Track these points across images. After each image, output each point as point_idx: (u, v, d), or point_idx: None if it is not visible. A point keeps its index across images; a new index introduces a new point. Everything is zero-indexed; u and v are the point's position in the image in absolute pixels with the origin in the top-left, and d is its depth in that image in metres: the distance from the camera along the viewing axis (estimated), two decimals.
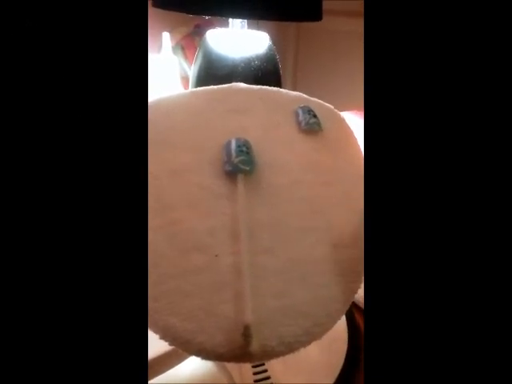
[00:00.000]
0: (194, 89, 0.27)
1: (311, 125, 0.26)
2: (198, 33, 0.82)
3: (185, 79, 0.81)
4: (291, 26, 0.95)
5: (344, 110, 0.34)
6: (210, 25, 0.75)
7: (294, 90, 0.30)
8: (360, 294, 0.21)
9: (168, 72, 0.70)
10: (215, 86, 0.27)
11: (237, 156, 0.22)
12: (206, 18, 0.66)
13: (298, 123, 0.27)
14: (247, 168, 0.22)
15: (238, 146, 0.23)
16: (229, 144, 0.23)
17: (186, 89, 0.76)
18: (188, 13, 0.46)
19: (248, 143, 0.23)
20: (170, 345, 0.19)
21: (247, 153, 0.23)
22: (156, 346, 0.21)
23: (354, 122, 0.32)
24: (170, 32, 0.71)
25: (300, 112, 0.27)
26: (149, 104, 0.25)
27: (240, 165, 0.22)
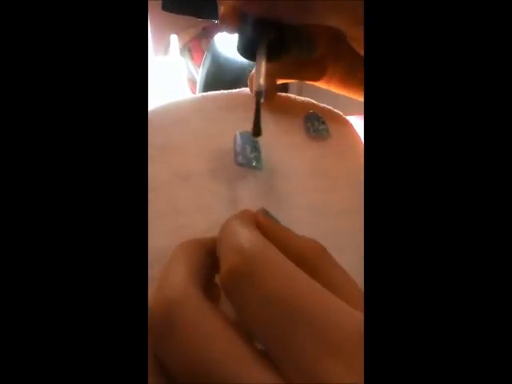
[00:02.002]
0: (205, 93, 0.28)
1: (320, 131, 0.26)
2: (205, 35, 0.82)
3: (191, 81, 0.81)
4: None
5: (350, 114, 0.34)
6: (218, 28, 0.75)
7: (300, 94, 0.30)
8: None
9: (175, 74, 0.71)
10: (225, 91, 0.28)
11: (251, 151, 0.22)
12: (216, 22, 0.67)
13: (307, 129, 0.27)
14: (259, 166, 0.22)
15: (253, 142, 0.23)
16: (244, 137, 0.23)
17: (192, 91, 0.76)
18: (197, 17, 0.46)
19: (258, 143, 0.24)
20: None
21: (259, 151, 0.23)
22: None
23: (361, 126, 0.32)
24: (177, 34, 0.71)
25: (308, 118, 0.27)
26: (159, 108, 0.26)
27: (254, 161, 0.22)
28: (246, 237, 0.15)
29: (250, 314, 0.13)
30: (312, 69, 0.28)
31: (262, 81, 0.23)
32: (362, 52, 0.26)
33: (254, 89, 0.23)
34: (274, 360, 0.12)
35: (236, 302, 0.14)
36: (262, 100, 0.23)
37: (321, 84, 0.30)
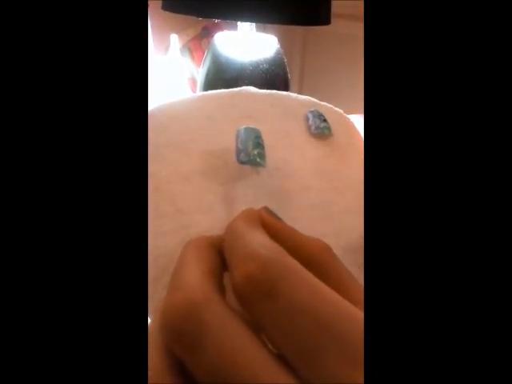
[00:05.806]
0: (205, 92, 0.28)
1: (321, 129, 0.26)
2: (204, 35, 0.82)
3: (191, 80, 0.81)
4: (298, 29, 0.95)
5: (351, 113, 0.34)
6: (218, 27, 0.75)
7: (300, 92, 0.30)
8: None
9: (175, 73, 0.71)
10: (226, 90, 0.27)
11: (254, 148, 0.22)
12: (216, 21, 0.66)
13: (309, 127, 0.27)
14: (262, 162, 0.22)
15: (256, 138, 0.22)
16: (247, 133, 0.22)
17: (193, 90, 0.76)
18: (198, 16, 0.46)
19: (261, 139, 0.23)
20: None
21: (263, 147, 0.22)
22: None
23: (361, 124, 0.32)
24: (177, 34, 0.71)
25: (310, 116, 0.27)
26: (160, 107, 0.26)
27: (257, 157, 0.21)
28: (260, 242, 0.15)
29: (272, 324, 0.13)
30: None
31: None
32: None
33: None
34: (294, 366, 0.12)
35: (255, 311, 0.13)
36: None
37: None
